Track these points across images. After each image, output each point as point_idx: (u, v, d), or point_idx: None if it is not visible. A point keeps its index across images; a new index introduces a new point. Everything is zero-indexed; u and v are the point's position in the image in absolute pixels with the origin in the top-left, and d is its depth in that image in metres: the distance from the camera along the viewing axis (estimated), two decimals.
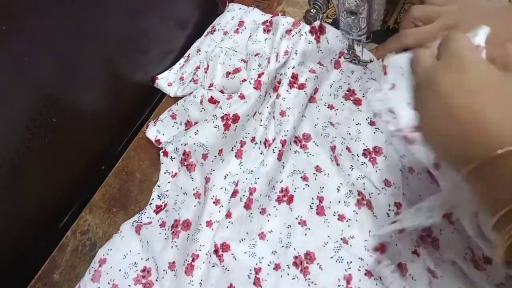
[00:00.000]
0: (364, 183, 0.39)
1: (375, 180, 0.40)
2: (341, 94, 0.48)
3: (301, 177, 0.43)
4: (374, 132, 0.43)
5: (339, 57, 0.51)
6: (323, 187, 0.42)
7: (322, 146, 0.44)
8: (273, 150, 0.43)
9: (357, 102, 0.47)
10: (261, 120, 0.48)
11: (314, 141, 0.45)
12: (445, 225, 0.34)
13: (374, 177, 0.40)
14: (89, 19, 0.44)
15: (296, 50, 0.47)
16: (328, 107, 0.47)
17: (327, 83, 0.50)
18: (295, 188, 0.43)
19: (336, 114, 0.46)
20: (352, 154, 0.42)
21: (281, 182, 0.43)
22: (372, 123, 0.44)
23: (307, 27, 0.48)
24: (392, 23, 0.53)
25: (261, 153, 0.46)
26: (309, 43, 0.47)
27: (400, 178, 0.39)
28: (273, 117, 0.46)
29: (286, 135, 0.43)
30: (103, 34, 0.47)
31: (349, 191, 0.41)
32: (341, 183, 0.41)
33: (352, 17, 0.42)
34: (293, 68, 0.47)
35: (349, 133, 0.44)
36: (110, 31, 0.48)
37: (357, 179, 0.40)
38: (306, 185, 0.43)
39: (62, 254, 0.45)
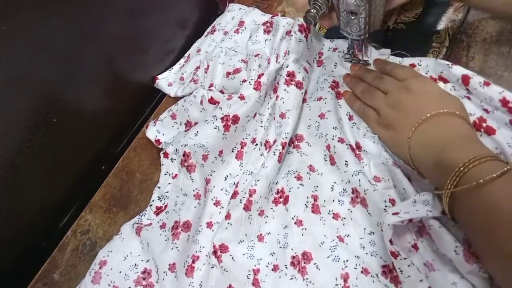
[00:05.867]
0: (359, 179, 0.39)
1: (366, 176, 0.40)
2: (327, 85, 0.48)
3: (295, 177, 0.43)
4: (352, 127, 0.44)
5: (319, 57, 0.53)
6: (317, 186, 0.42)
7: (315, 146, 0.44)
8: (273, 152, 0.43)
9: (338, 96, 0.47)
10: (261, 122, 0.48)
11: (307, 142, 0.45)
12: (432, 220, 0.34)
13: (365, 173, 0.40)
14: (89, 19, 0.44)
15: (289, 50, 0.47)
16: (317, 100, 0.47)
17: (313, 81, 0.51)
18: (290, 188, 0.43)
19: (325, 103, 0.46)
20: (346, 145, 0.42)
21: (276, 183, 0.43)
22: (350, 118, 0.45)
23: (296, 26, 0.48)
24: (392, 23, 0.53)
25: (261, 155, 0.46)
26: (300, 41, 0.48)
27: (386, 171, 0.40)
28: (274, 119, 0.46)
29: (286, 137, 0.43)
30: (103, 34, 0.47)
31: (343, 189, 0.41)
32: (335, 182, 0.41)
33: (352, 17, 0.42)
34: (287, 67, 0.46)
35: (339, 122, 0.45)
36: (110, 31, 0.48)
37: (352, 175, 0.40)
38: (301, 184, 0.43)
39: (62, 254, 0.46)
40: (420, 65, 0.46)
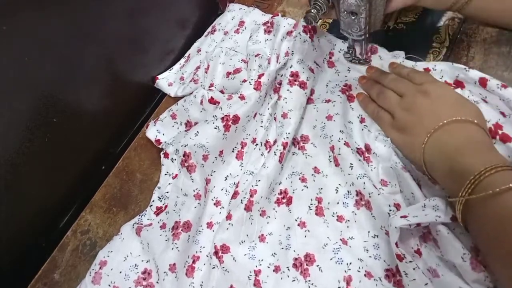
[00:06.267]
0: (364, 183, 0.39)
1: (373, 179, 0.40)
2: (338, 89, 0.47)
3: (299, 179, 0.43)
4: (362, 129, 0.44)
5: (330, 57, 0.52)
6: (321, 188, 0.42)
7: (321, 147, 0.44)
8: (274, 152, 0.43)
9: (351, 98, 0.47)
10: (261, 122, 0.48)
11: (312, 143, 0.45)
12: (441, 225, 0.34)
13: (372, 177, 0.40)
14: (89, 19, 0.44)
15: (293, 51, 0.47)
16: (325, 102, 0.47)
17: (323, 83, 0.50)
18: (293, 190, 0.43)
19: (333, 106, 0.46)
20: (351, 149, 0.42)
21: (280, 184, 0.43)
22: (362, 120, 0.45)
23: (301, 27, 0.48)
24: (392, 23, 0.53)
25: (261, 155, 0.46)
26: (304, 41, 0.47)
27: (394, 175, 0.39)
28: (275, 119, 0.46)
29: (287, 137, 0.43)
30: (103, 34, 0.47)
31: (348, 191, 0.41)
32: (339, 184, 0.41)
33: (352, 17, 0.42)
34: (291, 67, 0.46)
35: (346, 126, 0.44)
36: (110, 31, 0.48)
37: (357, 178, 0.40)
38: (305, 186, 0.42)
39: (62, 254, 0.46)
40: (435, 69, 0.45)
